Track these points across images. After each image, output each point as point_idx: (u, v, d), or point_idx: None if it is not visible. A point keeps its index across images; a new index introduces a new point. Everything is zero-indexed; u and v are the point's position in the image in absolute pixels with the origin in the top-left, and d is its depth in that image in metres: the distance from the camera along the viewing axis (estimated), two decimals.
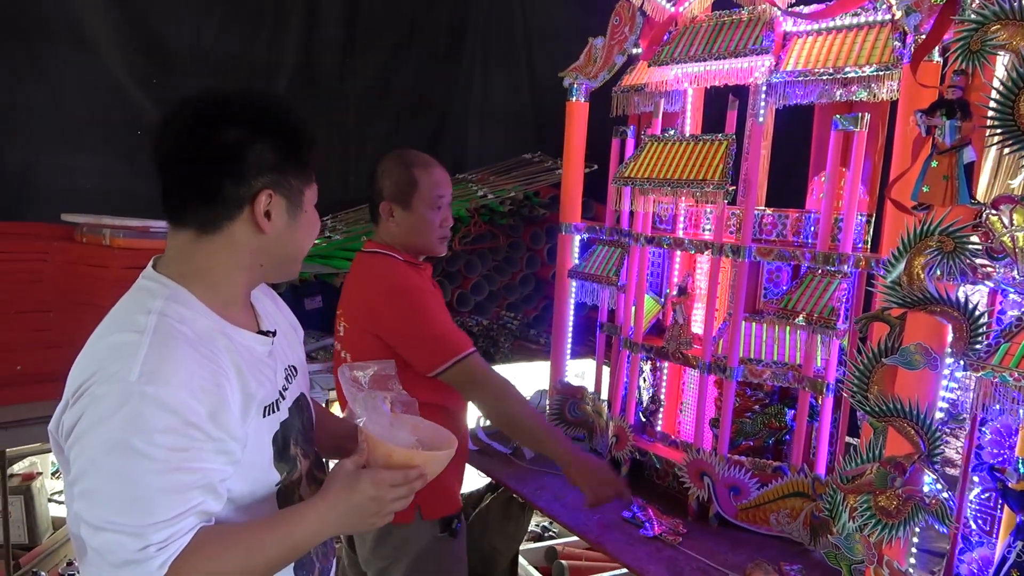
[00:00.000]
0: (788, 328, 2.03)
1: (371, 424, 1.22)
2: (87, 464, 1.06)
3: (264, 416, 1.23)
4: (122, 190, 3.71)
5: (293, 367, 1.38)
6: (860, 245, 1.97)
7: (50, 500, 3.36)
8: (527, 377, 3.53)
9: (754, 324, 2.09)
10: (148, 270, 1.22)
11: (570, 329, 2.73)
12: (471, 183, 3.98)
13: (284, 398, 1.31)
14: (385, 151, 2.14)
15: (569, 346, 2.74)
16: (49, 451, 3.39)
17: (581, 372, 3.19)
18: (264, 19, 4.57)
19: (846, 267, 1.88)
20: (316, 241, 3.76)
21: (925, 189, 1.40)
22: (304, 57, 4.77)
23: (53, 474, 3.92)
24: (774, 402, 2.16)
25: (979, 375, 1.30)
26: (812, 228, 2.05)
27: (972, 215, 1.39)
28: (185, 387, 1.07)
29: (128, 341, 1.09)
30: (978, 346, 1.34)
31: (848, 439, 2.04)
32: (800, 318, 1.89)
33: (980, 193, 1.68)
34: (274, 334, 1.32)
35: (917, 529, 1.50)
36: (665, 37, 2.27)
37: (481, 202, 3.62)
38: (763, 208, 2.16)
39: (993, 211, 1.36)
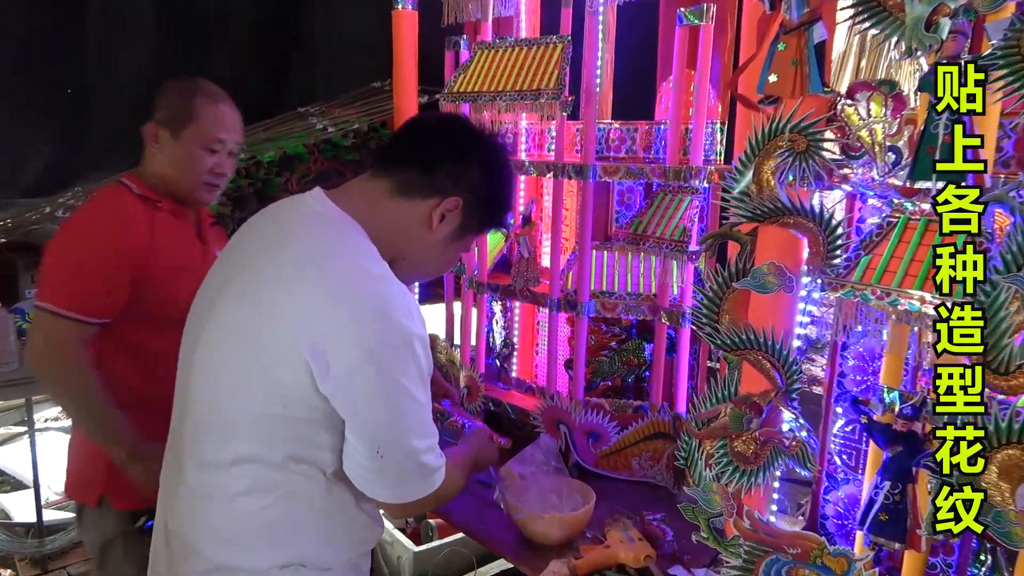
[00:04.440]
0: (642, 255, 1.82)
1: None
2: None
3: None
4: None
5: None
6: (713, 157, 1.76)
7: None
8: None
9: (605, 253, 1.87)
10: None
11: None
12: (313, 116, 3.59)
13: None
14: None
15: (416, 289, 2.46)
16: None
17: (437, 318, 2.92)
18: None
19: (696, 182, 1.67)
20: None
21: (772, 78, 1.18)
22: None
23: None
24: (632, 337, 1.96)
25: (838, 295, 1.11)
26: (663, 141, 1.83)
27: (826, 107, 1.18)
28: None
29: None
30: (836, 261, 1.15)
31: (711, 364, 1.87)
32: (650, 242, 1.68)
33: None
34: None
35: (778, 473, 1.33)
36: None
37: (321, 136, 3.25)
38: (609, 121, 1.92)
39: (848, 101, 1.15)
